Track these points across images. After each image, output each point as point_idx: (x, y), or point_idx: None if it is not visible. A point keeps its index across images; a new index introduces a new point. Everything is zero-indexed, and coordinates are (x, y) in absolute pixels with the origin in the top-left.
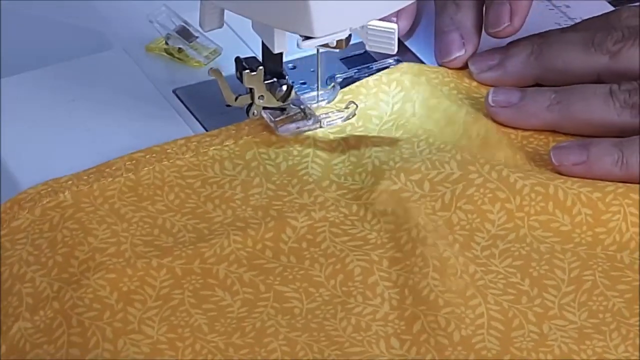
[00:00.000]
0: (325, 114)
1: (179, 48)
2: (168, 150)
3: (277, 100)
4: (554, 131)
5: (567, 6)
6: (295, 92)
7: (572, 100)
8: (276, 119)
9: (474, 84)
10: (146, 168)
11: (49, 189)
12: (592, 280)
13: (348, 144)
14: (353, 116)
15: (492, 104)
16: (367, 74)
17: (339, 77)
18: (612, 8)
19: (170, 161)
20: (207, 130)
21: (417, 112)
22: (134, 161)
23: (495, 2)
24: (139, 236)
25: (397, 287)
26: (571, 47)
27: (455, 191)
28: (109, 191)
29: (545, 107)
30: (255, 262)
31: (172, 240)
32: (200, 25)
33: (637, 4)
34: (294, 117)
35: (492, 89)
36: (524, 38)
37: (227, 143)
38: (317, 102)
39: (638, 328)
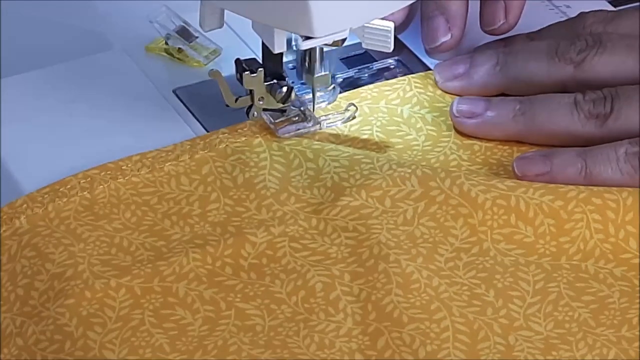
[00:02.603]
0: (325, 115)
1: (179, 48)
2: (123, 167)
3: (277, 102)
4: (518, 141)
5: (568, 6)
6: (295, 94)
7: (536, 111)
8: (276, 121)
9: (438, 92)
10: (101, 186)
11: (4, 216)
12: (557, 292)
13: (305, 156)
14: (353, 118)
15: (457, 115)
16: (367, 74)
17: (339, 77)
18: (612, 8)
19: (126, 178)
20: (207, 131)
21: (376, 136)
22: (88, 179)
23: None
24: (97, 256)
25: (360, 302)
26: (535, 58)
27: (417, 209)
28: (65, 212)
29: (510, 118)
30: (216, 280)
31: (130, 259)
32: (200, 26)
33: (636, 4)
34: (294, 118)
35: (456, 98)
36: (489, 45)
37: (182, 158)
38: (317, 103)
39: (604, 338)
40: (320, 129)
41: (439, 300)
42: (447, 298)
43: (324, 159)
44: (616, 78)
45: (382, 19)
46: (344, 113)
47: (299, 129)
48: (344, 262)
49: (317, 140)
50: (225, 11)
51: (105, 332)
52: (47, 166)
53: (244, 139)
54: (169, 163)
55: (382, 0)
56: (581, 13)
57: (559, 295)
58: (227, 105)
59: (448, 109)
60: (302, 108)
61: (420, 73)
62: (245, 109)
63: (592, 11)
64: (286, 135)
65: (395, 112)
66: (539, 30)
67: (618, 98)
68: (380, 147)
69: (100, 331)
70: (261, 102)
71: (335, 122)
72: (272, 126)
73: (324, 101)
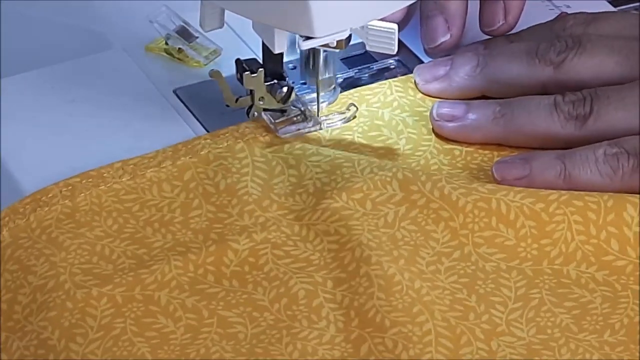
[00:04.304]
0: (326, 116)
1: (179, 48)
2: (105, 174)
3: (278, 102)
4: (499, 145)
5: (568, 6)
6: (296, 94)
7: (516, 113)
8: (276, 121)
9: (419, 96)
10: (83, 194)
11: None
12: (539, 298)
13: (287, 163)
14: (354, 118)
15: (437, 118)
16: (367, 74)
17: (340, 77)
18: (612, 8)
19: (107, 185)
20: (207, 131)
21: (357, 141)
22: (70, 187)
23: (489, 0)
24: (78, 265)
25: (343, 309)
26: (515, 59)
27: (399, 212)
28: (46, 221)
29: (490, 121)
30: (198, 287)
31: (112, 268)
32: (201, 26)
33: (636, 4)
34: (294, 118)
35: (437, 102)
36: (470, 47)
37: (164, 164)
38: (318, 104)
39: (587, 343)
40: (321, 129)
41: (421, 303)
42: (429, 301)
43: (305, 164)
44: (596, 79)
45: (382, 18)
46: (344, 113)
47: (299, 129)
48: (326, 268)
49: (299, 146)
50: (226, 11)
51: (87, 343)
52: (47, 166)
53: (226, 144)
54: (151, 170)
55: (382, 0)
56: (561, 15)
57: (540, 301)
58: (228, 105)
59: (428, 113)
60: (302, 108)
61: (401, 77)
62: (246, 109)
63: (573, 13)
64: (286, 135)
65: (377, 115)
66: (519, 32)
67: (597, 99)
68: (361, 150)
69: (82, 342)
70: (261, 102)
71: (335, 122)
72: (272, 126)
73: (324, 101)
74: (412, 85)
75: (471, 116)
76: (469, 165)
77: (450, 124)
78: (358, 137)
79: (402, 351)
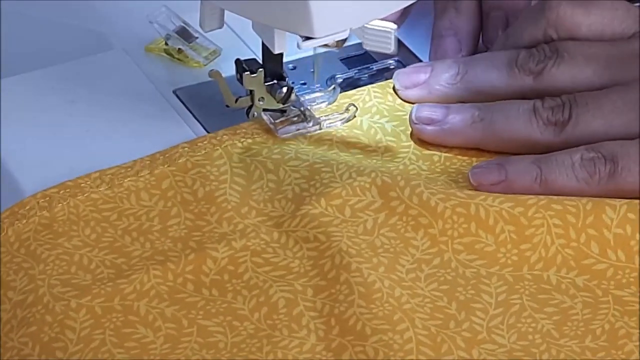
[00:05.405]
0: (326, 116)
1: (179, 48)
2: (82, 185)
3: (277, 102)
4: (478, 151)
5: None
6: (296, 94)
7: (495, 117)
8: (276, 121)
9: (398, 101)
10: (60, 204)
11: None
12: (519, 304)
13: (265, 167)
14: (353, 117)
15: (416, 121)
16: (367, 75)
17: (339, 78)
18: None
19: (85, 195)
20: (207, 131)
21: (335, 146)
22: (47, 198)
23: (492, 14)
24: (56, 276)
25: (323, 317)
26: (495, 69)
27: (378, 219)
28: (24, 233)
29: (469, 125)
30: (177, 297)
31: (90, 278)
32: (201, 26)
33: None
34: (294, 119)
35: (416, 105)
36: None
37: (142, 174)
38: (318, 103)
39: (568, 349)
40: (320, 129)
41: (401, 311)
42: (409, 309)
43: (284, 169)
44: (574, 87)
45: (386, 21)
46: (343, 113)
47: (299, 129)
48: (306, 276)
49: (277, 150)
50: (225, 11)
51: (66, 357)
52: (47, 166)
53: (204, 152)
54: (129, 179)
55: (382, 0)
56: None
57: (521, 307)
58: (227, 106)
59: (407, 117)
60: (302, 108)
61: (380, 82)
62: (245, 109)
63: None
64: (286, 135)
65: (355, 124)
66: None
67: (576, 105)
68: (340, 155)
69: (61, 356)
70: (261, 103)
71: (335, 122)
72: (272, 126)
73: (324, 102)
74: (391, 91)
75: (450, 120)
76: (447, 170)
77: (429, 128)
78: (337, 142)
79: (383, 359)
